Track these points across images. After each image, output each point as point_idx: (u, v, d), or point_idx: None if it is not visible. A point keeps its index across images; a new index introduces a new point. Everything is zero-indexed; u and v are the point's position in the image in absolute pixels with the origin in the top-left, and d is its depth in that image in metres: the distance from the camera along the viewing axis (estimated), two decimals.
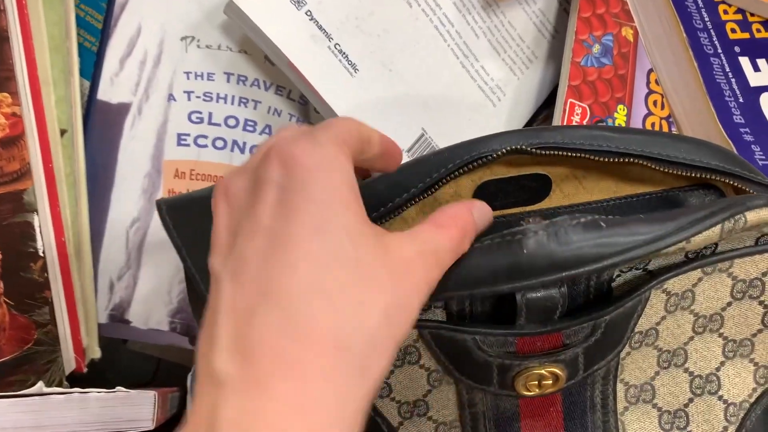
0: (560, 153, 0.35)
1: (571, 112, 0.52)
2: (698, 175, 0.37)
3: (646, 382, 0.36)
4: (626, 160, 0.36)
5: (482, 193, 0.38)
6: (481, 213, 0.31)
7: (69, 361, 0.46)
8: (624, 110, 0.54)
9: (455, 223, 0.29)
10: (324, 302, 0.23)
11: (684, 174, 0.37)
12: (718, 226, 0.31)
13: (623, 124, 0.54)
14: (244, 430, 0.21)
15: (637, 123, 0.54)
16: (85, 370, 0.48)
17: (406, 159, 0.50)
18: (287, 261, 0.23)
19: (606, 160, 0.36)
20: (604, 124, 0.53)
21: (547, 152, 0.35)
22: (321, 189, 0.25)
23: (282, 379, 0.22)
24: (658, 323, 0.34)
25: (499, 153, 0.35)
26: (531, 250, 0.29)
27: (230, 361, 0.23)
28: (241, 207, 0.26)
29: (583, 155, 0.35)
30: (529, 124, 0.56)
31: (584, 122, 0.52)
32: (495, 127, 0.54)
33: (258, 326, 0.23)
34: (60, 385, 0.46)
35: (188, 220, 0.35)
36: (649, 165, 0.36)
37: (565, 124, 0.51)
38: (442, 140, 0.51)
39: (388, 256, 0.25)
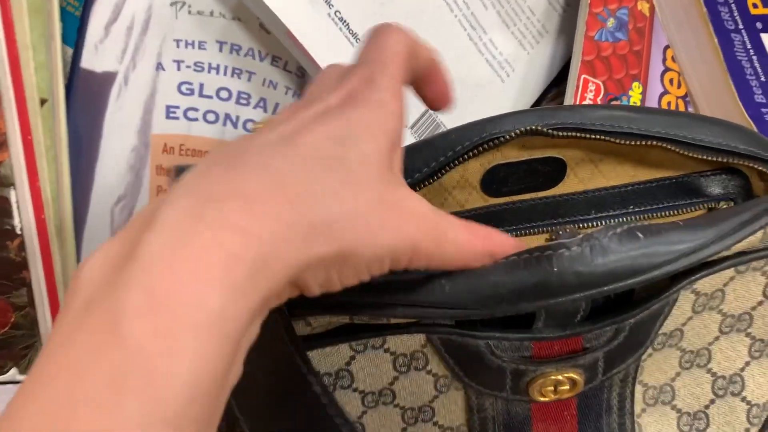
0: (579, 135, 0.33)
1: (584, 89, 0.49)
2: (722, 159, 0.34)
3: (665, 383, 0.34)
4: (649, 143, 0.33)
5: (491, 177, 0.35)
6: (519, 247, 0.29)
7: None
8: (639, 88, 0.51)
9: (485, 239, 0.27)
10: (303, 174, 0.23)
11: (707, 158, 0.34)
12: (761, 231, 0.29)
13: (638, 103, 0.51)
14: (183, 233, 0.21)
15: (652, 101, 0.52)
16: None
17: (409, 137, 0.48)
18: (293, 141, 0.24)
19: (627, 142, 0.33)
20: (620, 103, 0.50)
21: (565, 134, 0.33)
22: (366, 122, 0.25)
23: (233, 203, 0.22)
24: (683, 324, 0.32)
25: (512, 134, 0.32)
26: (562, 268, 0.26)
27: (191, 175, 0.23)
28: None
29: (602, 137, 0.33)
30: (538, 101, 0.54)
31: (598, 100, 0.49)
32: (503, 104, 0.51)
33: (238, 169, 0.23)
34: None
35: None
36: (672, 148, 0.34)
37: (578, 101, 0.49)
38: (448, 116, 0.49)
39: (390, 190, 0.25)
